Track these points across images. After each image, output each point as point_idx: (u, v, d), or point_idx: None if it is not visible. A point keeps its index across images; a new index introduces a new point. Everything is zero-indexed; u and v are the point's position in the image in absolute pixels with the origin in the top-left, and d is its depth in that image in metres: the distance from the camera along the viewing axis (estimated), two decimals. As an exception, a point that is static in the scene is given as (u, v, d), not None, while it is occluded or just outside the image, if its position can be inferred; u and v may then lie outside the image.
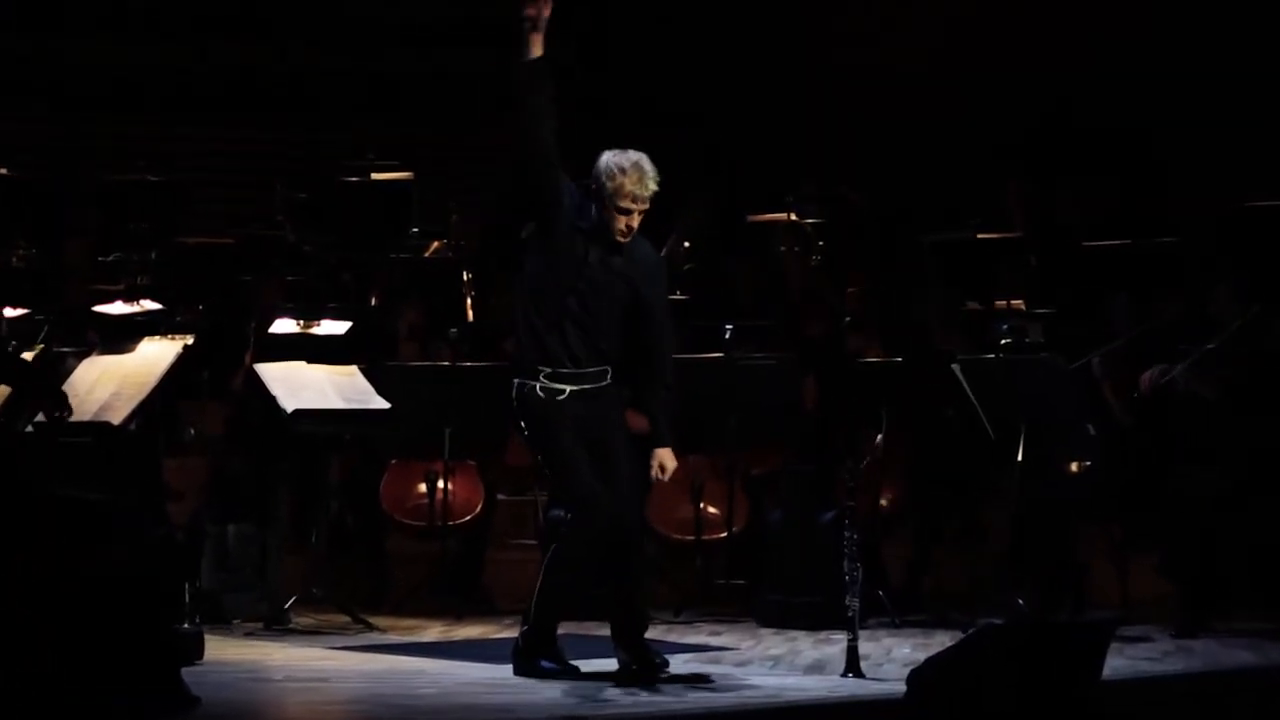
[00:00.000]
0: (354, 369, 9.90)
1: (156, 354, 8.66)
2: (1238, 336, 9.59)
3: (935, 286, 11.48)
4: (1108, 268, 11.36)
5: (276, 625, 9.64)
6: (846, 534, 8.09)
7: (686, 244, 12.74)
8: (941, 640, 8.85)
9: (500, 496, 11.22)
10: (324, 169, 12.99)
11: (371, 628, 9.65)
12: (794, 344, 11.20)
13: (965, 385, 9.42)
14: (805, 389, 10.68)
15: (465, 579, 10.62)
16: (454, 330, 10.79)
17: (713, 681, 7.88)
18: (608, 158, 7.77)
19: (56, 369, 8.70)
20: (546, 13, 7.65)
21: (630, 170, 7.73)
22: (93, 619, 6.51)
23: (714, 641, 9.33)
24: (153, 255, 12.05)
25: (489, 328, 11.87)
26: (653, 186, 7.77)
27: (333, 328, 10.46)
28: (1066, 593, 9.71)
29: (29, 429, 7.89)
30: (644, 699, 7.45)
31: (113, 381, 8.55)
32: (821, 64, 14.07)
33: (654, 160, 7.83)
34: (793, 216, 12.35)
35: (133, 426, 8.40)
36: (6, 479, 7.08)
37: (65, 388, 8.57)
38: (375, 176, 12.67)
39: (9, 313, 9.84)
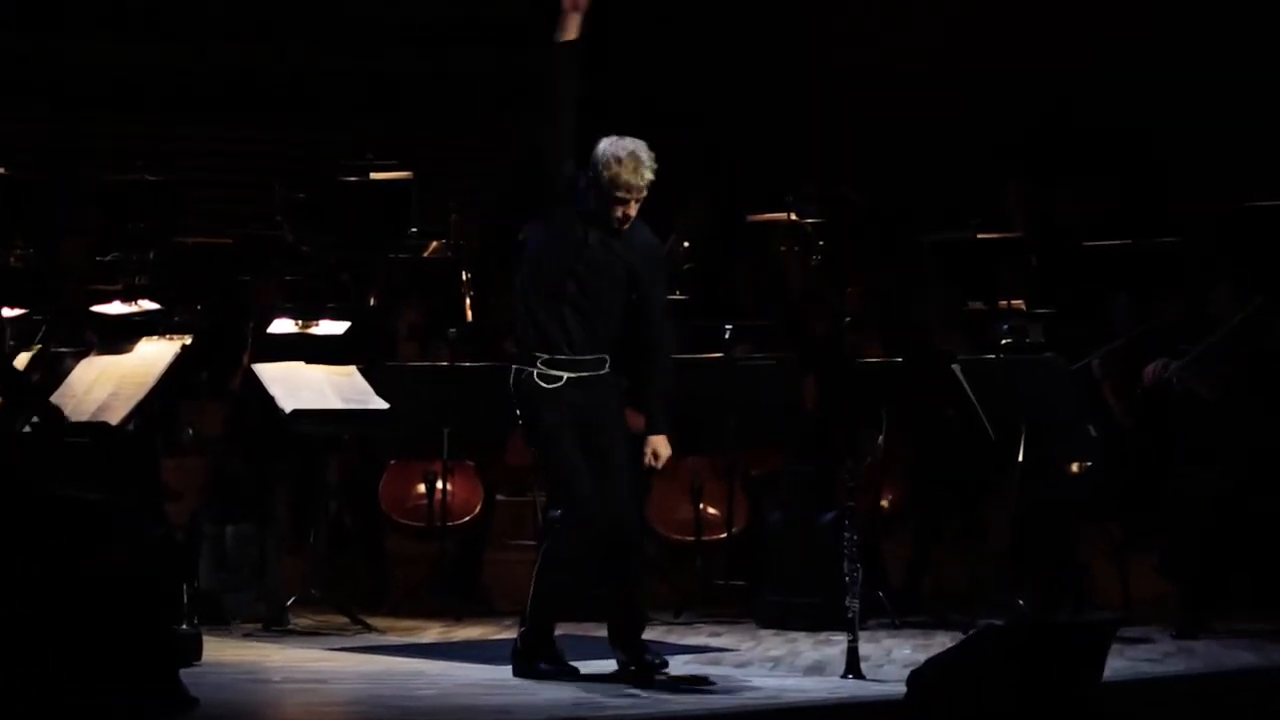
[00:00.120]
0: (352, 369, 9.89)
1: (155, 354, 8.65)
2: (1238, 333, 9.57)
3: (935, 286, 11.46)
4: (1108, 268, 11.34)
5: (275, 626, 9.63)
6: (846, 535, 8.08)
7: (686, 244, 12.72)
8: (942, 641, 8.84)
9: (499, 497, 11.20)
10: (323, 169, 12.97)
11: (370, 629, 9.64)
12: (794, 344, 11.19)
13: (965, 386, 9.41)
14: (805, 389, 10.66)
15: (464, 580, 10.61)
16: (453, 330, 10.78)
17: (712, 683, 7.87)
18: (604, 146, 7.77)
19: (49, 378, 8.68)
20: None
21: (625, 159, 7.73)
22: (91, 619, 6.49)
23: (714, 643, 9.32)
24: (151, 255, 12.04)
25: (488, 328, 11.85)
26: (648, 175, 7.77)
27: (331, 328, 10.45)
28: (1067, 593, 9.69)
29: (27, 429, 7.88)
30: (643, 700, 7.44)
31: (111, 382, 8.53)
32: (821, 64, 14.05)
33: (654, 160, 7.81)
34: (793, 216, 12.33)
35: (131, 427, 8.39)
36: (5, 479, 7.06)
37: (63, 388, 8.58)
38: (374, 176, 12.65)
39: (7, 313, 9.82)
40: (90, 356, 8.77)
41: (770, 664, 8.59)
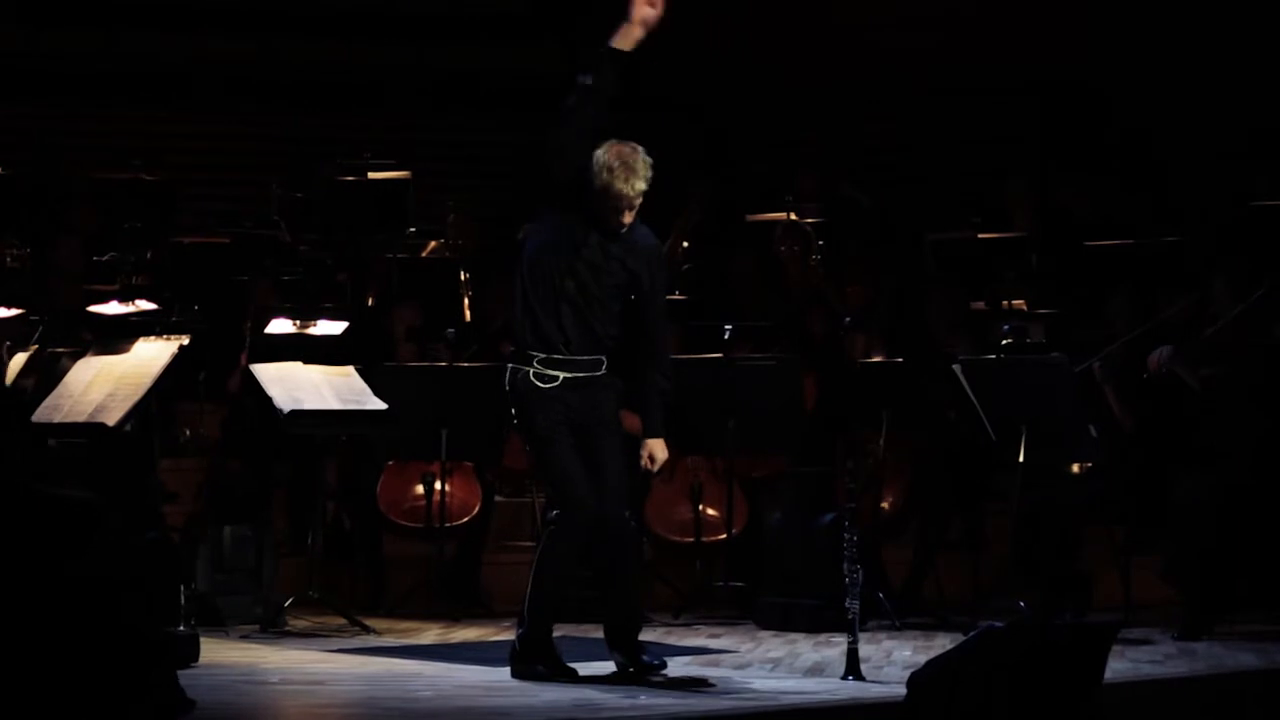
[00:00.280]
0: (350, 369, 9.86)
1: (152, 354, 8.63)
2: (1236, 326, 9.54)
3: (937, 286, 11.44)
4: (1110, 267, 11.32)
5: (272, 628, 9.60)
6: (846, 536, 8.05)
7: (686, 244, 12.72)
8: (942, 643, 8.83)
9: (498, 498, 11.18)
10: (321, 168, 12.94)
11: (368, 630, 9.61)
12: (794, 344, 11.17)
13: (966, 386, 9.38)
14: (805, 389, 10.63)
15: (462, 581, 10.58)
16: (451, 330, 10.75)
17: (712, 684, 7.84)
18: (600, 153, 7.73)
19: (46, 378, 8.65)
20: (658, 15, 7.69)
21: (618, 169, 7.70)
22: (78, 619, 6.45)
23: (713, 644, 9.29)
24: (148, 255, 12.03)
25: (487, 328, 11.83)
26: (640, 186, 7.75)
27: (329, 328, 10.44)
28: (1068, 595, 9.65)
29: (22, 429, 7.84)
30: (642, 702, 7.41)
31: (108, 382, 8.51)
32: (822, 64, 14.03)
33: (654, 158, 7.78)
34: (793, 216, 12.32)
35: (128, 428, 8.37)
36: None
37: (59, 389, 8.56)
38: (372, 175, 12.63)
39: (3, 313, 9.80)
40: (87, 357, 8.75)
41: (770, 665, 8.56)
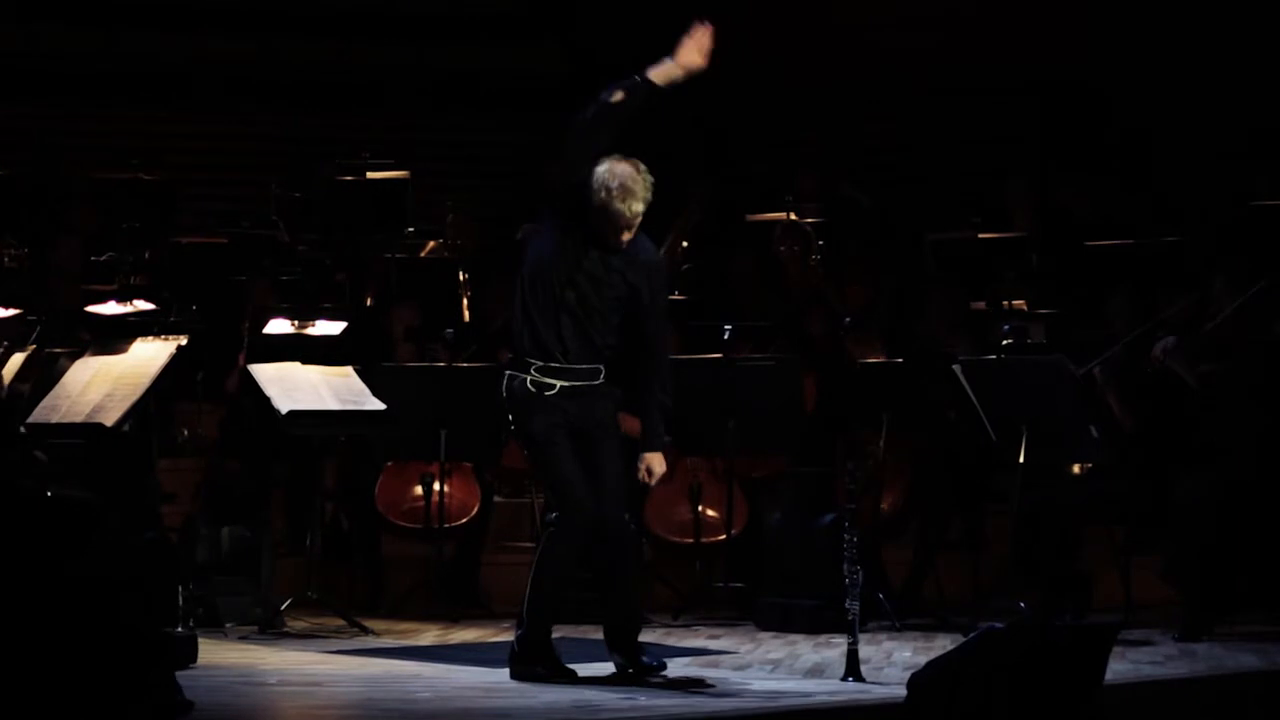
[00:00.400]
0: (349, 370, 9.85)
1: (150, 355, 8.62)
2: (1234, 322, 9.53)
3: (937, 286, 11.43)
4: (1110, 267, 11.31)
5: (270, 629, 9.59)
6: (847, 537, 8.04)
7: (686, 244, 12.71)
8: (942, 644, 8.82)
9: (497, 499, 11.17)
10: (320, 168, 12.93)
11: (367, 631, 9.59)
12: (794, 344, 11.15)
13: (966, 387, 9.37)
14: (805, 390, 10.62)
15: (461, 582, 10.57)
16: (450, 331, 10.73)
17: (711, 685, 7.83)
18: (600, 172, 7.69)
19: (44, 379, 8.64)
20: (702, 65, 7.73)
21: (615, 190, 7.68)
22: (86, 620, 6.44)
23: (713, 645, 9.28)
24: (146, 255, 12.02)
25: (485, 328, 11.82)
26: (639, 207, 7.73)
27: (328, 328, 10.43)
28: (1068, 596, 9.64)
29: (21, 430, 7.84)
30: (642, 703, 7.40)
31: (106, 383, 8.49)
32: (822, 64, 14.02)
33: (653, 158, 7.77)
34: (793, 216, 12.31)
35: (126, 428, 8.35)
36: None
37: (57, 389, 8.54)
38: (371, 175, 12.62)
39: (1, 313, 9.79)
40: (85, 357, 8.74)
41: (770, 666, 8.55)
